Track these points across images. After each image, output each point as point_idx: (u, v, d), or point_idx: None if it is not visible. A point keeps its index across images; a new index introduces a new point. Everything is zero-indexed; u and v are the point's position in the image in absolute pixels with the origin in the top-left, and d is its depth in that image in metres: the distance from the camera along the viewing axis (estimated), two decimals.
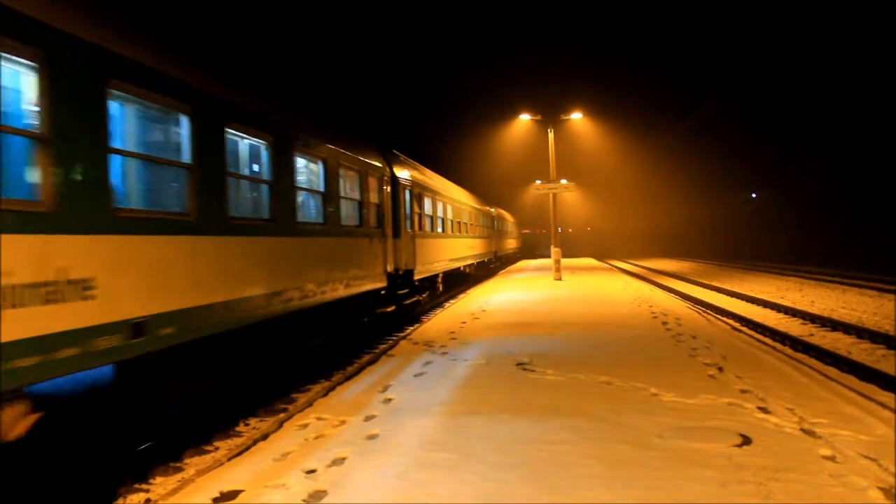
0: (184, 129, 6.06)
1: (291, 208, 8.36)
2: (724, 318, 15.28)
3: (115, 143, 5.14)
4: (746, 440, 5.28)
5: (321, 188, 9.55)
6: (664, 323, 12.57)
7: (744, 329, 13.52)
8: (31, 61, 4.33)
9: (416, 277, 14.88)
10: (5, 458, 4.31)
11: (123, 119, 5.64)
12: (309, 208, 9.53)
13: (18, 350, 3.94)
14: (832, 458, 4.82)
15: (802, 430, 5.54)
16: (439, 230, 18.86)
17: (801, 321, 15.99)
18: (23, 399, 4.22)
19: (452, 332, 12.27)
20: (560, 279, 25.33)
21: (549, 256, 28.24)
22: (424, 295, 16.40)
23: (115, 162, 5.08)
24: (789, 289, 24.66)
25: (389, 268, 12.71)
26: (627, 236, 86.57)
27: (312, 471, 4.97)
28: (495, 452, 5.16)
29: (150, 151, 6.24)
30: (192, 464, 6.17)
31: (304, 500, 4.42)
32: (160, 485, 5.67)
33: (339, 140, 10.51)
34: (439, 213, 18.84)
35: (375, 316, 12.31)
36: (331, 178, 9.74)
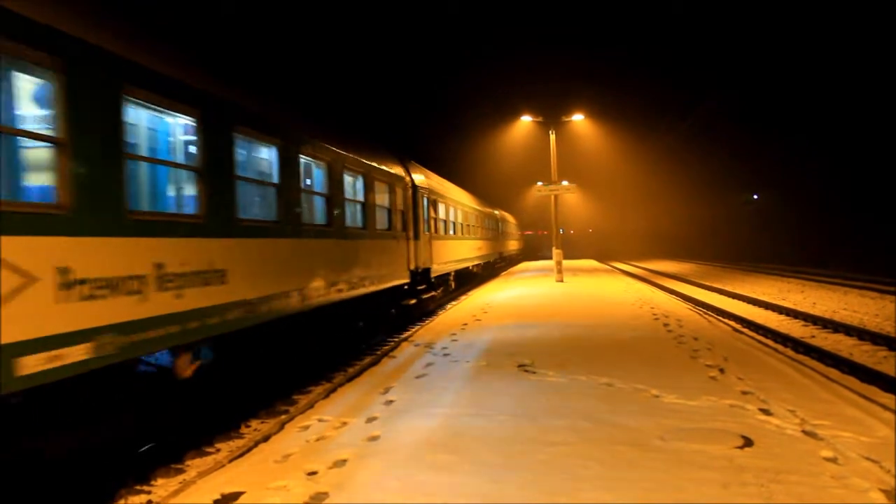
0: (273, 157, 7.98)
1: (342, 216, 9.99)
2: (726, 320, 15.26)
3: (240, 172, 7.04)
4: (748, 442, 5.28)
5: (362, 199, 11.19)
6: (665, 324, 12.57)
7: (745, 331, 13.51)
8: None
9: (433, 275, 16.54)
10: (181, 391, 6.43)
11: (247, 157, 7.70)
12: (354, 216, 11.01)
13: (190, 316, 5.72)
14: (834, 460, 4.82)
15: (804, 431, 5.54)
16: (451, 233, 20.47)
17: (802, 323, 15.97)
18: (189, 352, 6.06)
19: (454, 334, 12.27)
20: (561, 281, 25.33)
21: (550, 258, 28.25)
22: (439, 291, 18.07)
23: (241, 187, 7.00)
24: (791, 290, 24.64)
25: (411, 266, 14.25)
26: (629, 238, 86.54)
27: (314, 472, 4.97)
28: (496, 454, 5.17)
29: (260, 177, 8.02)
30: (194, 465, 6.18)
31: (305, 502, 4.43)
32: (161, 486, 5.67)
33: (374, 157, 12.17)
34: (451, 217, 20.38)
35: (401, 307, 13.97)
36: (368, 189, 11.38)
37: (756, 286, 26.90)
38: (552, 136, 26.80)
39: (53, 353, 4.18)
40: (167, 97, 5.76)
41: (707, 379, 7.66)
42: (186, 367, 6.05)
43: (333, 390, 8.10)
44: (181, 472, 6.01)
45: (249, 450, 5.84)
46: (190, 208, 6.33)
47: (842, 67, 43.47)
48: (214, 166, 6.33)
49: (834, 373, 9.51)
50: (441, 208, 18.54)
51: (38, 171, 4.93)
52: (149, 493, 5.57)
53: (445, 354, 10.03)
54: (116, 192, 4.95)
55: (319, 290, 8.77)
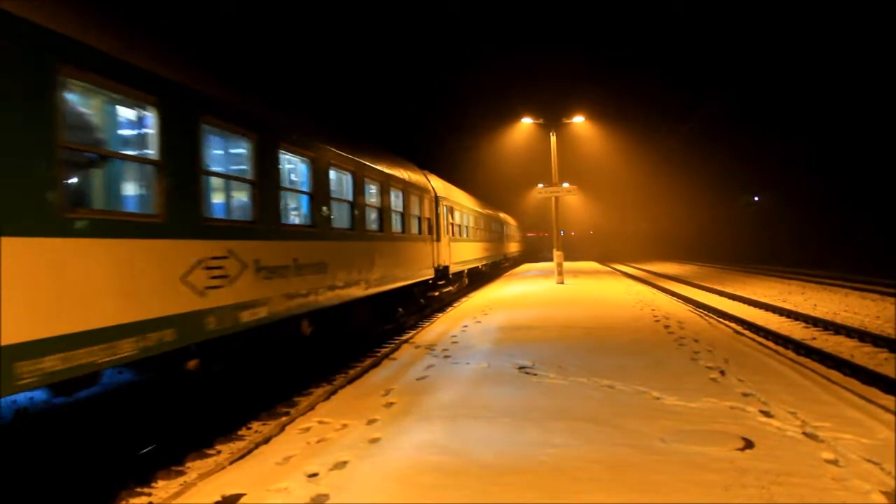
0: (349, 183, 10.58)
1: (390, 224, 12.83)
2: (727, 322, 15.26)
3: (335, 196, 9.73)
4: (749, 444, 5.28)
5: (401, 209, 13.92)
6: (666, 326, 12.57)
7: (746, 332, 13.51)
8: None
9: (451, 272, 19.58)
10: (305, 347, 9.12)
11: (338, 185, 10.26)
12: (398, 223, 13.68)
13: (311, 293, 8.43)
14: (835, 462, 4.82)
15: (805, 433, 5.54)
16: (464, 236, 23.31)
17: (803, 324, 15.97)
18: (306, 317, 8.80)
19: (454, 336, 12.27)
20: (562, 283, 25.33)
21: (551, 260, 28.25)
22: (455, 286, 21.48)
23: (335, 207, 9.73)
24: (791, 292, 24.63)
25: (435, 264, 17.01)
26: (630, 239, 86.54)
27: (314, 474, 4.97)
28: (497, 456, 5.16)
29: (340, 197, 10.26)
30: (195, 467, 6.18)
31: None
32: (162, 488, 5.67)
33: (410, 174, 15.23)
34: (463, 222, 23.12)
35: (428, 297, 17.09)
36: (406, 201, 14.29)
37: (757, 288, 26.89)
38: (553, 138, 26.82)
39: (252, 311, 6.84)
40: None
41: (708, 381, 7.65)
42: (308, 328, 9.04)
43: (334, 392, 8.10)
44: (182, 473, 6.01)
45: (250, 451, 5.85)
46: (310, 221, 8.89)
47: (842, 68, 43.50)
48: (326, 195, 9.27)
49: (835, 375, 9.51)
50: (456, 214, 21.33)
51: (244, 200, 7.58)
52: (149, 494, 5.57)
53: (446, 356, 10.03)
54: (278, 212, 7.72)
55: (374, 282, 11.41)
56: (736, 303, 21.60)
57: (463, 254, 22.28)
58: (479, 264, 27.00)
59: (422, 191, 15.99)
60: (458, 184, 26.32)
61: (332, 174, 9.63)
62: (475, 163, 55.33)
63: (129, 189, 5.93)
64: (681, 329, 12.15)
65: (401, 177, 13.89)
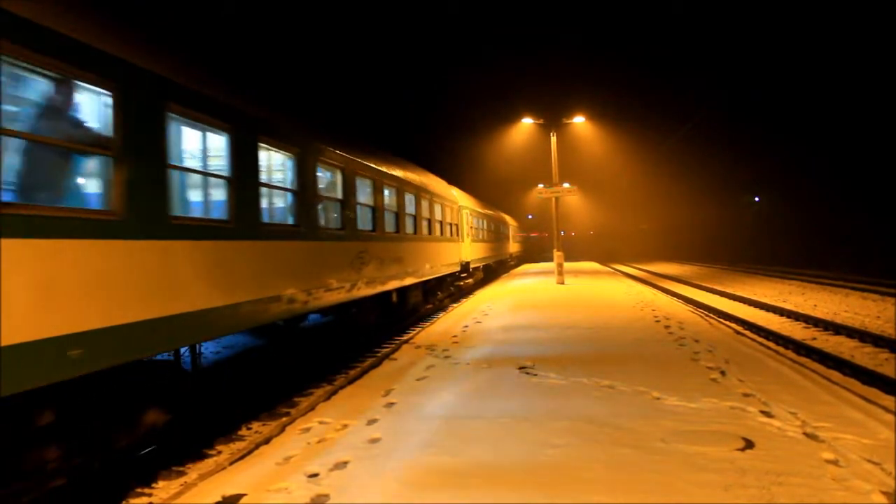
0: (412, 200, 14.88)
1: (430, 227, 16.79)
2: (727, 322, 15.25)
3: (409, 211, 14.36)
4: (749, 444, 5.28)
5: (440, 217, 18.26)
6: (667, 327, 12.56)
7: (746, 333, 13.50)
8: None
9: (471, 267, 24.29)
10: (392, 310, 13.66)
11: (408, 201, 14.48)
12: (438, 228, 17.97)
13: (399, 276, 13.01)
14: (835, 462, 4.82)
15: (805, 433, 5.54)
16: (479, 237, 27.75)
17: (803, 325, 15.96)
18: (395, 292, 13.24)
19: (455, 336, 12.27)
20: (563, 283, 25.32)
21: (551, 260, 28.24)
22: (473, 279, 25.82)
23: (407, 218, 14.00)
24: (792, 292, 24.62)
25: (460, 260, 21.60)
26: (630, 240, 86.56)
27: (315, 475, 4.97)
28: (497, 456, 5.17)
29: (406, 210, 14.09)
30: (195, 468, 6.18)
31: None
32: (163, 489, 5.68)
33: (445, 189, 19.92)
34: (478, 225, 27.32)
35: (456, 285, 22.17)
36: (443, 211, 18.88)
37: (757, 288, 26.88)
38: (553, 139, 26.81)
39: (376, 284, 11.28)
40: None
41: (708, 381, 7.65)
42: (395, 298, 13.41)
43: (334, 392, 8.10)
44: (182, 474, 6.01)
45: (250, 452, 5.85)
46: (394, 228, 12.90)
47: (842, 67, 43.49)
48: (403, 211, 13.62)
49: (835, 375, 9.51)
50: (473, 219, 25.94)
51: (369, 219, 11.54)
52: (150, 495, 5.57)
53: (446, 356, 10.04)
54: (384, 225, 12.15)
55: (425, 271, 15.66)
56: (736, 303, 21.60)
57: (479, 252, 27.46)
58: (490, 261, 32.01)
59: (451, 202, 20.81)
60: (457, 184, 26.47)
61: (408, 197, 14.31)
62: (475, 163, 55.40)
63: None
64: (681, 329, 12.15)
65: (443, 194, 19.15)
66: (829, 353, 11.74)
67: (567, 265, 29.30)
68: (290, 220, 8.37)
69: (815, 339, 13.86)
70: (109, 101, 4.99)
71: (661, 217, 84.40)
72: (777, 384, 7.40)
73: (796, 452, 5.05)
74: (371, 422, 6.43)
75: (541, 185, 27.22)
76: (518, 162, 45.35)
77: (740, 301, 21.92)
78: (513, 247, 47.23)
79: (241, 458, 5.71)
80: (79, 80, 4.85)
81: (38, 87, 4.75)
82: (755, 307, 20.10)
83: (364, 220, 11.15)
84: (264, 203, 7.62)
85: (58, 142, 4.78)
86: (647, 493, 4.35)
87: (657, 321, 13.45)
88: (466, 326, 13.67)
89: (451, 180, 25.37)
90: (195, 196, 7.08)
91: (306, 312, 8.70)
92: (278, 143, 7.93)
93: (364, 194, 11.25)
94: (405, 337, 13.09)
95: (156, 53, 5.76)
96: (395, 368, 9.37)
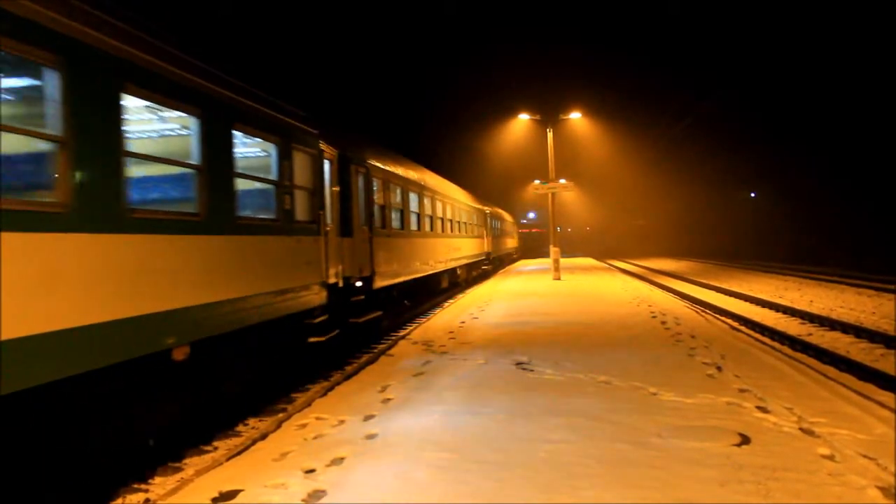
0: (458, 209, 24.41)
1: (463, 227, 23.66)
2: (723, 318, 15.29)
3: (457, 217, 23.95)
4: (745, 439, 5.29)
5: (474, 221, 26.31)
6: (663, 322, 12.58)
7: (742, 328, 13.54)
8: None
9: (491, 256, 34.16)
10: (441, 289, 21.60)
11: (456, 211, 23.90)
12: (466, 228, 24.37)
13: (446, 261, 21.02)
14: (831, 458, 4.83)
15: (801, 429, 5.55)
16: (494, 234, 36.59)
17: (799, 320, 16.01)
18: (446, 273, 21.71)
19: (451, 332, 12.27)
20: (559, 279, 25.33)
21: (548, 256, 28.26)
22: (491, 266, 34.29)
23: (454, 223, 22.84)
24: (788, 288, 24.69)
25: (484, 251, 30.30)
26: (626, 235, 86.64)
27: (311, 470, 4.97)
28: (494, 452, 5.17)
29: (458, 219, 23.67)
30: (192, 463, 6.17)
31: (303, 500, 4.42)
32: (159, 485, 5.67)
33: (476, 198, 28.92)
34: (492, 224, 35.59)
35: (481, 269, 30.54)
36: (476, 217, 27.05)
37: (753, 284, 26.95)
38: (550, 134, 26.80)
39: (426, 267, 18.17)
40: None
41: (704, 377, 7.66)
42: (446, 281, 21.65)
43: (331, 388, 8.09)
44: (179, 470, 6.01)
45: (247, 448, 5.84)
46: (415, 226, 16.71)
47: (838, 64, 43.54)
48: (450, 218, 21.55)
49: (831, 370, 9.55)
50: (491, 220, 34.87)
51: (428, 222, 19.12)
52: (146, 491, 5.57)
53: (443, 352, 10.04)
54: (442, 227, 20.54)
55: (465, 258, 23.12)
56: (732, 299, 21.65)
57: (499, 245, 39.36)
58: (501, 252, 41.43)
59: (481, 209, 30.74)
60: (454, 179, 26.56)
61: (461, 209, 21.62)
62: (473, 158, 55.36)
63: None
64: (677, 325, 12.16)
65: (476, 206, 29.05)
66: (825, 348, 11.79)
67: (563, 261, 29.31)
68: (415, 227, 16.71)
69: (810, 334, 13.91)
70: (449, 208, 7.91)
71: (658, 213, 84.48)
72: (773, 380, 7.41)
73: (792, 448, 5.06)
74: (368, 418, 6.42)
75: (537, 181, 27.18)
76: (515, 158, 45.42)
77: (736, 297, 21.98)
78: (510, 242, 47.89)
79: (238, 454, 5.70)
80: None
81: None
82: (751, 303, 20.15)
83: (442, 226, 20.05)
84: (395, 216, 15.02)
85: None
86: (643, 488, 4.36)
87: (653, 317, 13.47)
88: (463, 322, 13.68)
89: (449, 176, 25.47)
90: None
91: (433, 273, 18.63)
92: (425, 193, 17.74)
93: (439, 209, 19.82)
94: (402, 333, 13.09)
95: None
96: (392, 364, 9.37)
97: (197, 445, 6.58)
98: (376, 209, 12.73)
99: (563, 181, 27.71)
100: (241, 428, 7.34)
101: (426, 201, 18.00)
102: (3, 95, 4.50)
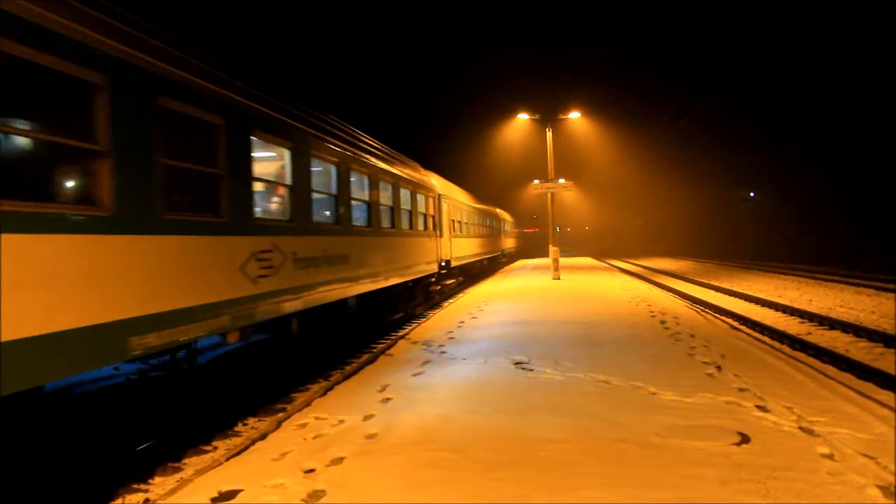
0: (490, 217, 37.37)
1: (486, 229, 33.15)
2: (723, 317, 15.30)
3: (487, 224, 34.63)
4: (745, 439, 5.29)
5: (498, 226, 39.70)
6: (662, 322, 12.58)
7: (742, 328, 13.54)
8: None
9: (504, 252, 44.07)
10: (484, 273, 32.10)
11: (484, 216, 34.16)
12: (499, 231, 39.52)
13: (482, 254, 31.11)
14: (831, 457, 4.83)
15: (801, 428, 5.55)
16: (503, 234, 43.55)
17: (799, 320, 16.02)
18: (485, 258, 33.08)
19: (450, 332, 12.27)
20: (558, 278, 25.34)
21: (547, 255, 28.26)
22: (504, 260, 43.96)
23: (484, 228, 32.58)
24: (787, 287, 24.70)
25: (501, 248, 40.28)
26: (626, 235, 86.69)
27: (311, 470, 4.97)
28: (494, 452, 5.17)
29: (486, 224, 34.22)
30: (191, 463, 6.17)
31: (302, 500, 4.42)
32: (159, 485, 5.67)
33: (498, 209, 41.83)
34: (500, 225, 41.41)
35: (499, 262, 40.92)
36: (498, 221, 40.01)
37: (753, 283, 26.95)
38: (549, 134, 26.79)
39: (473, 256, 27.72)
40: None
41: (704, 376, 7.67)
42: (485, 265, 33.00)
43: (331, 388, 8.09)
44: (179, 470, 6.01)
45: (247, 448, 5.83)
46: (483, 232, 30.19)
47: (838, 64, 43.54)
48: (483, 224, 32.15)
49: (831, 370, 9.55)
50: (499, 222, 40.89)
51: (483, 233, 31.66)
52: (146, 491, 5.57)
53: (442, 352, 10.03)
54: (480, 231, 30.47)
55: (490, 251, 33.60)
56: (732, 298, 21.66)
57: (508, 243, 47.91)
58: (507, 250, 47.80)
59: (500, 216, 39.48)
60: (452, 178, 26.71)
61: (486, 216, 30.54)
62: (472, 157, 55.39)
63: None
64: (677, 325, 12.17)
65: (499, 214, 39.77)
66: (824, 347, 11.79)
67: (562, 261, 29.36)
68: (467, 231, 25.52)
69: (810, 333, 13.91)
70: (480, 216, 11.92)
71: (658, 212, 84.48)
72: (772, 379, 7.42)
73: (792, 447, 5.07)
74: (367, 417, 6.42)
75: (536, 181, 27.16)
76: (515, 158, 45.54)
77: (736, 296, 21.98)
78: (507, 242, 47.85)
79: (238, 453, 5.69)
80: None
81: None
82: (751, 302, 20.16)
83: (478, 230, 31.08)
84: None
85: None
86: (643, 487, 4.36)
87: (653, 316, 13.48)
88: (462, 322, 13.67)
89: (450, 176, 25.52)
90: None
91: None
92: (471, 209, 26.00)
93: (476, 219, 30.37)
94: (401, 332, 13.08)
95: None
96: (391, 364, 9.36)
97: (196, 445, 6.58)
98: (453, 222, 21.78)
99: (562, 181, 27.70)
100: (240, 428, 7.34)
101: (473, 215, 27.92)
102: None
